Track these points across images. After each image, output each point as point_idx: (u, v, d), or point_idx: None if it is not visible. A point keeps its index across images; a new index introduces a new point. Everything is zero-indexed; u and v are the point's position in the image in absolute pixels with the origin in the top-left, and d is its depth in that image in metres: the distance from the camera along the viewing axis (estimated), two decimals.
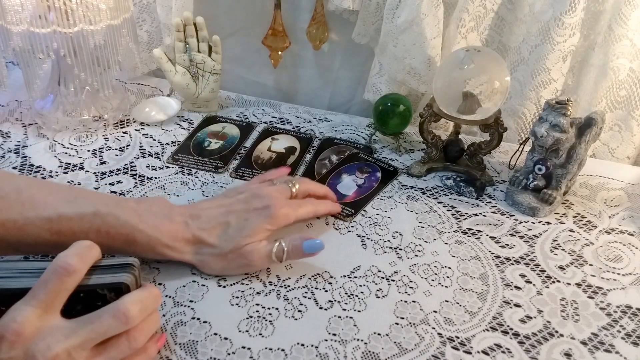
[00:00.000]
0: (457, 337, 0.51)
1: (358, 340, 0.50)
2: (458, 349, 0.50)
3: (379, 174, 0.72)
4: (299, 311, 0.52)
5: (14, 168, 0.68)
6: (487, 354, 0.49)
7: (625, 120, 0.79)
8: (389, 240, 0.61)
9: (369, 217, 0.65)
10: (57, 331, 0.39)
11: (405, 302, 0.54)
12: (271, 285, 0.55)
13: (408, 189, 0.70)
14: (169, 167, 0.71)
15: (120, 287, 0.43)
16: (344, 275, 0.56)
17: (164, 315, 0.51)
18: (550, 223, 0.66)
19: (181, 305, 0.52)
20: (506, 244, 0.62)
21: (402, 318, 0.52)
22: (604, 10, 0.73)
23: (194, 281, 0.54)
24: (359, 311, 0.53)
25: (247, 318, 0.51)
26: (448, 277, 0.57)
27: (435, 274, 0.58)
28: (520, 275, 0.58)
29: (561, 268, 0.59)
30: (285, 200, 0.58)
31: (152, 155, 0.73)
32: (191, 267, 0.55)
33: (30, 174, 0.68)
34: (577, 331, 0.52)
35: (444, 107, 0.69)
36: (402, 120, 0.76)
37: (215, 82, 0.81)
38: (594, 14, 0.74)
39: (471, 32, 0.78)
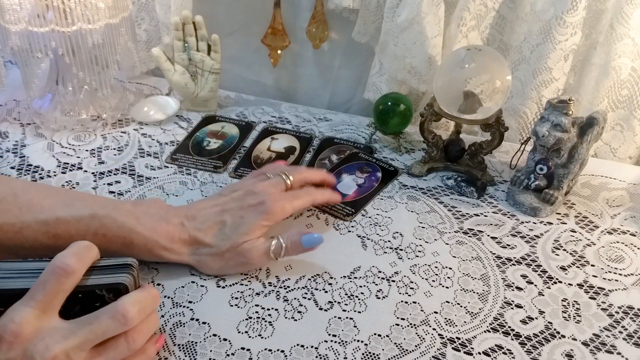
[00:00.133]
0: (458, 338, 0.51)
1: (358, 341, 0.50)
2: (459, 350, 0.49)
3: (379, 174, 0.72)
4: (299, 312, 0.52)
5: (12, 168, 0.68)
6: (488, 355, 0.49)
7: (627, 119, 0.79)
8: (389, 241, 0.61)
9: (369, 217, 0.64)
10: (56, 332, 0.39)
11: (406, 302, 0.54)
12: (271, 285, 0.54)
13: (408, 188, 0.70)
14: (168, 167, 0.71)
15: (118, 287, 0.42)
16: (344, 276, 0.56)
17: (162, 316, 0.50)
18: (552, 223, 0.66)
19: (180, 306, 0.52)
20: (507, 245, 0.62)
21: (403, 319, 0.52)
22: (606, 9, 0.73)
23: (193, 282, 0.54)
24: (359, 312, 0.52)
25: (247, 319, 0.51)
26: (449, 277, 0.57)
27: (436, 274, 0.57)
28: (521, 275, 0.58)
29: (563, 268, 0.59)
30: (281, 194, 0.57)
31: (150, 155, 0.73)
32: (190, 267, 0.55)
33: (28, 173, 0.67)
34: (578, 332, 0.52)
35: (444, 106, 0.69)
36: (402, 120, 0.76)
37: (214, 82, 0.81)
38: (595, 13, 0.74)
39: (472, 31, 0.78)
